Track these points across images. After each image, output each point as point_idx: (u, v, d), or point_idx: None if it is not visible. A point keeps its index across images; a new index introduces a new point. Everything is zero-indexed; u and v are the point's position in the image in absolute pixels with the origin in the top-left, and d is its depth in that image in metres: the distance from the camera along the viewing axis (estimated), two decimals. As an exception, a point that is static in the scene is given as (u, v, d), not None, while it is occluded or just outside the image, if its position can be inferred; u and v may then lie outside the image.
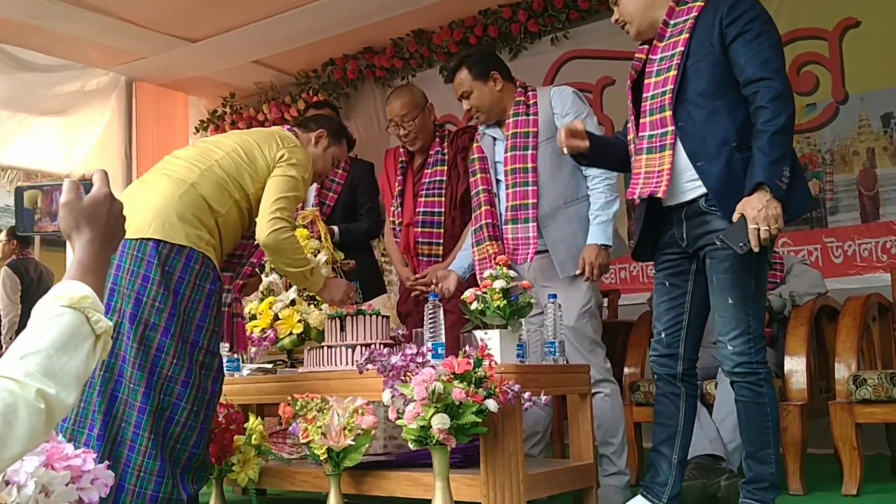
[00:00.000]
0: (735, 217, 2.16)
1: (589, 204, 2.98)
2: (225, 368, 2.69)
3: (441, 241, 3.52)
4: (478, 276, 3.06)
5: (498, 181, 3.12)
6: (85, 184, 1.25)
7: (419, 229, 3.53)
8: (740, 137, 2.26)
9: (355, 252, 3.73)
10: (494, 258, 2.77)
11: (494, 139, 3.17)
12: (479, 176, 3.15)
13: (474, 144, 3.24)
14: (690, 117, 2.33)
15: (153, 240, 2.40)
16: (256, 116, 6.32)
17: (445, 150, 3.59)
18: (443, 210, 3.52)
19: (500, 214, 3.08)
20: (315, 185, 4.00)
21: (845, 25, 4.10)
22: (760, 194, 2.13)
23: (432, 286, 3.17)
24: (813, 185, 4.12)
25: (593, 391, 2.95)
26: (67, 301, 1.09)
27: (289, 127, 2.96)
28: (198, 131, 6.61)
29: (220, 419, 2.74)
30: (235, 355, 3.06)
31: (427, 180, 3.57)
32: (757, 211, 2.11)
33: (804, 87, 4.19)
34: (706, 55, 2.31)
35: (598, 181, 2.96)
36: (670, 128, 2.35)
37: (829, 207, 4.08)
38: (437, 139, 3.63)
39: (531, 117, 3.05)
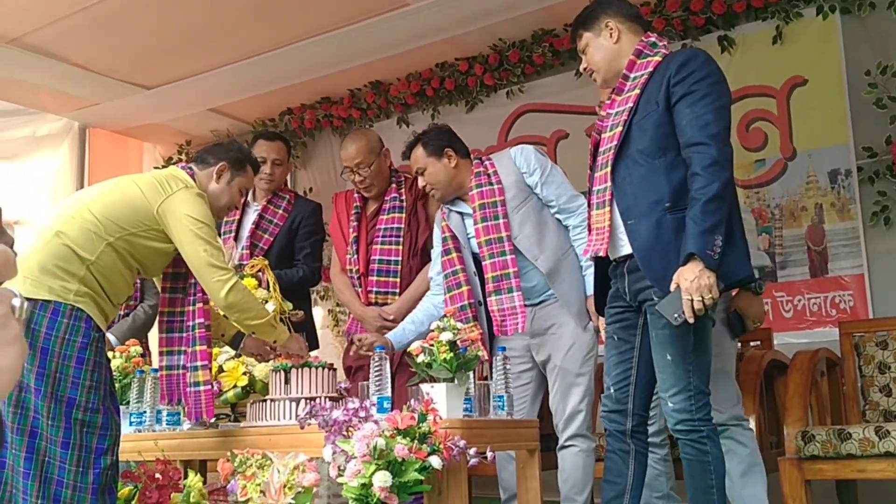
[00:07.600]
0: (672, 287, 2.16)
1: (575, 253, 3.03)
2: (121, 423, 2.50)
3: (397, 290, 3.41)
4: None
5: (474, 255, 3.10)
6: None
7: (374, 278, 3.42)
8: (675, 198, 2.25)
9: (294, 302, 3.47)
10: (475, 342, 2.45)
11: (462, 214, 3.16)
12: (454, 255, 3.11)
13: (442, 223, 3.19)
14: (629, 174, 2.34)
15: None
16: (212, 164, 6.26)
17: (404, 197, 3.50)
18: (400, 259, 3.42)
19: (480, 289, 3.06)
20: (251, 224, 3.84)
21: (793, 84, 4.19)
22: (693, 265, 2.13)
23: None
24: (762, 239, 4.16)
25: (570, 443, 2.93)
26: None
27: (184, 165, 2.78)
28: (152, 178, 6.52)
29: (156, 476, 2.65)
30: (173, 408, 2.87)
31: (383, 227, 3.47)
32: (689, 282, 2.11)
33: (753, 144, 4.26)
34: (651, 113, 2.32)
35: (579, 231, 3.01)
36: (608, 184, 2.36)
37: (779, 262, 4.12)
38: (394, 185, 3.54)
39: (495, 186, 3.06)
